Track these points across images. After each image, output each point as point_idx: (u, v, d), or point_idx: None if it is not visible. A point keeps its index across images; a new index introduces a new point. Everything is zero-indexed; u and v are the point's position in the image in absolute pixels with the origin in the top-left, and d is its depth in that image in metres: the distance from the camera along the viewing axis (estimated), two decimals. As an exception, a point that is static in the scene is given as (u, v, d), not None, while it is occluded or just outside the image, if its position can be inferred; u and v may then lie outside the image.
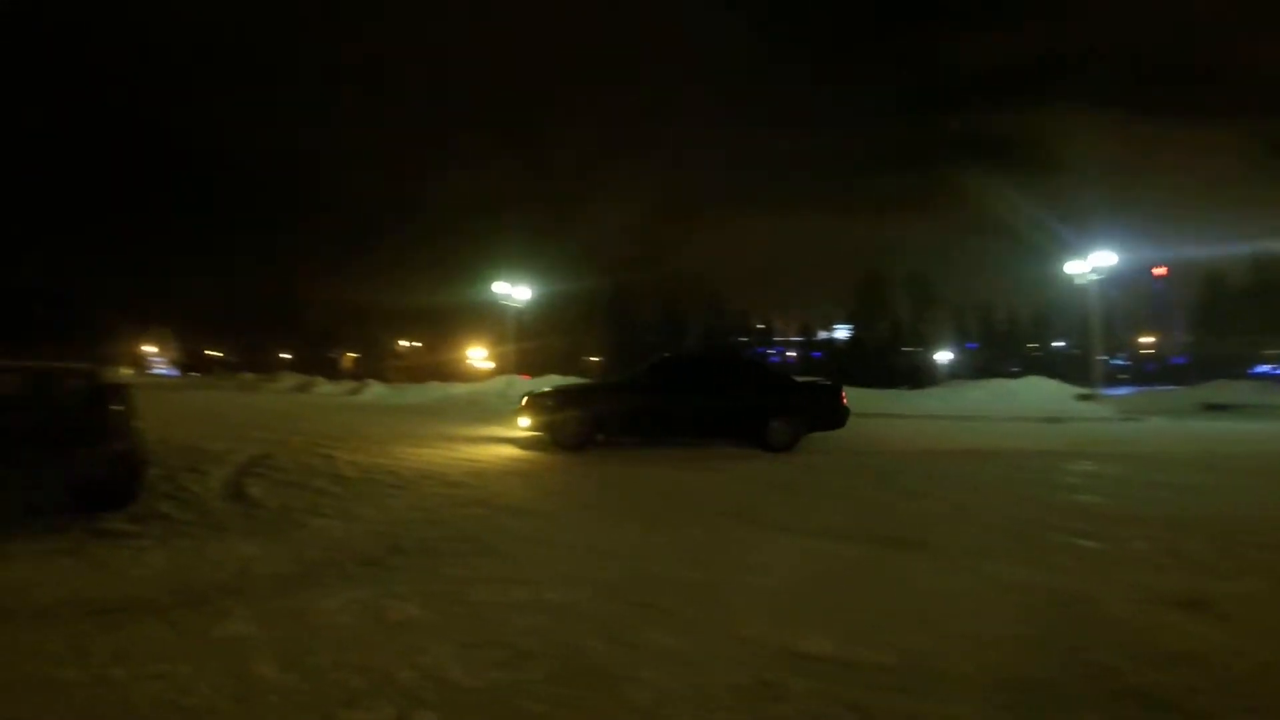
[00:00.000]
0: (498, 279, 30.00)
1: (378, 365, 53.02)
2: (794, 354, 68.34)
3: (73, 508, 3.88)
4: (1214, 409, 20.31)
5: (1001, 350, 54.64)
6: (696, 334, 58.51)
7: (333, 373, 44.28)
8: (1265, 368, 46.10)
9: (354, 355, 65.83)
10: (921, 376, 41.00)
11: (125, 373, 5.64)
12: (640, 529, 4.31)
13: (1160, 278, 60.72)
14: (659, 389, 9.08)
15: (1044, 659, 2.45)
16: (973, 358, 54.06)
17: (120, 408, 3.78)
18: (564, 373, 27.83)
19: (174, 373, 58.90)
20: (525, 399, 9.11)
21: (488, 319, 43.42)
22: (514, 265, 31.44)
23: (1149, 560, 3.78)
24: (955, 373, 45.97)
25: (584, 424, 8.61)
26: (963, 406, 19.14)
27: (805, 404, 9.51)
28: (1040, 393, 19.70)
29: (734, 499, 5.47)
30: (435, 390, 24.23)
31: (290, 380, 29.71)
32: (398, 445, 8.40)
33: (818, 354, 63.94)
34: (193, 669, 2.10)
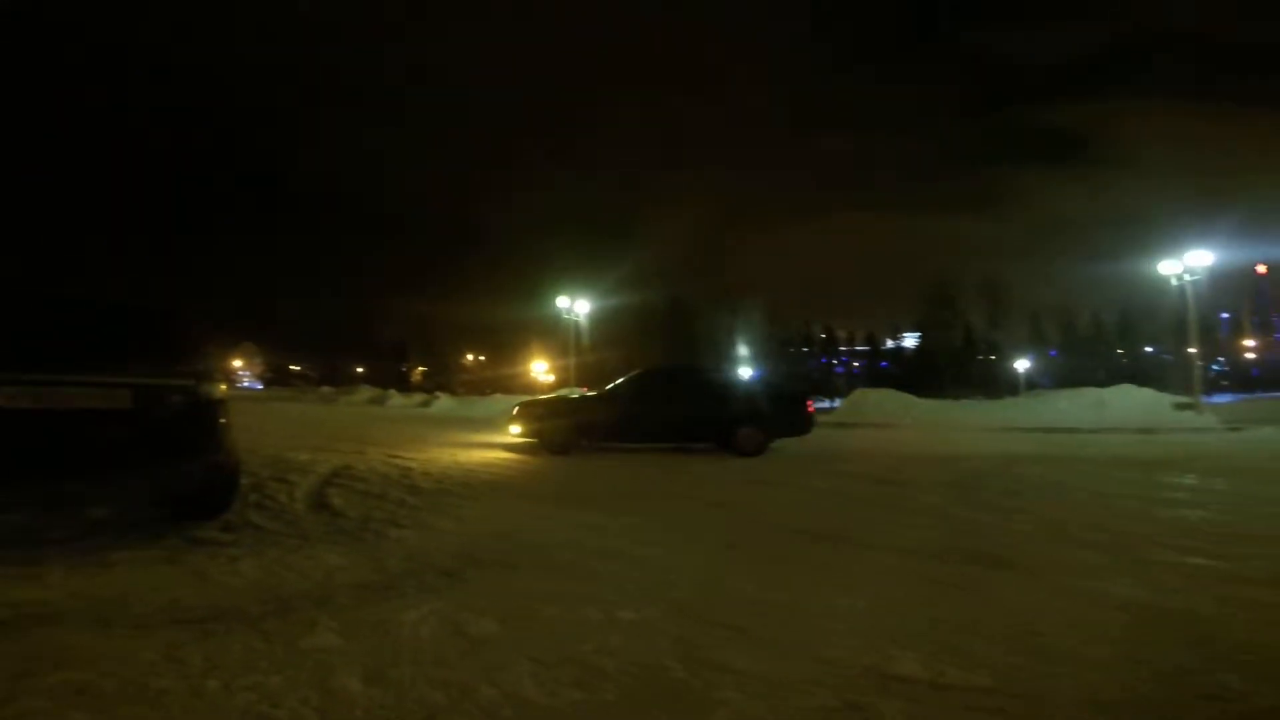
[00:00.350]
0: (560, 294, 30.50)
1: (445, 379, 54.64)
2: (859, 364, 66.48)
3: (171, 517, 4.09)
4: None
5: (1086, 357, 51.57)
6: (754, 344, 57.61)
7: (404, 386, 45.92)
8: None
9: (423, 369, 68.15)
10: (998, 386, 39.11)
11: (221, 387, 6.13)
12: (707, 546, 4.23)
13: (1261, 276, 56.03)
14: (639, 399, 9.93)
15: (1155, 681, 2.28)
16: (1054, 365, 51.24)
17: (219, 421, 4.00)
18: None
19: (259, 386, 62.36)
20: (517, 408, 9.99)
21: (549, 333, 44.23)
22: (575, 280, 31.93)
23: (1269, 579, 3.48)
24: (1036, 382, 43.67)
25: (571, 431, 9.44)
26: (1046, 418, 18.14)
27: (772, 412, 10.20)
28: (1133, 402, 18.46)
29: (804, 513, 5.31)
30: (500, 403, 24.75)
31: (366, 393, 30.97)
32: (467, 455, 8.58)
33: (885, 364, 61.99)
34: (282, 680, 2.14)
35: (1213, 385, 39.45)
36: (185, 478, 3.86)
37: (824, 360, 67.21)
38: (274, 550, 3.72)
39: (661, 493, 6.30)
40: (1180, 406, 18.62)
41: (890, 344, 66.19)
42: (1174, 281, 21.96)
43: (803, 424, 10.46)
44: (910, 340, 62.89)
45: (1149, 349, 51.82)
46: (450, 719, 1.98)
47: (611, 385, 10.48)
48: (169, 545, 3.69)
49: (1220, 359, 55.16)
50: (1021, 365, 48.72)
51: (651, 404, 9.84)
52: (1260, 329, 58.54)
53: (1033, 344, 54.33)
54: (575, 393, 23.98)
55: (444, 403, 25.35)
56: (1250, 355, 57.66)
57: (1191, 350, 21.89)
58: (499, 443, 10.46)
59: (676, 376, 11.03)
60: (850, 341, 70.01)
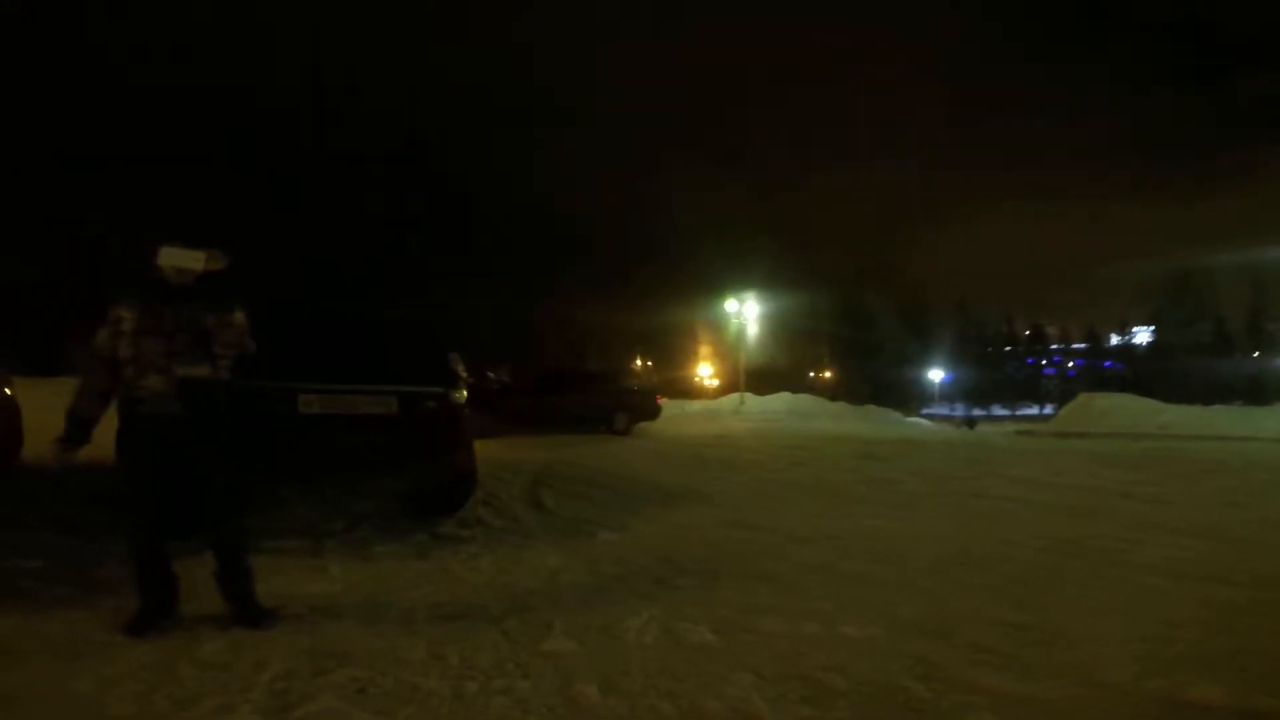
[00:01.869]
0: (727, 298, 30.24)
1: (620, 383, 56.59)
2: (1075, 364, 58.08)
3: (418, 512, 4.57)
4: None
5: None
6: (945, 342, 52.58)
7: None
8: None
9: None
10: (1265, 389, 32.16)
11: (463, 394, 7.72)
12: (925, 558, 3.94)
13: None
14: (542, 393, 12.91)
15: None
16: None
17: (463, 424, 4.49)
18: (793, 388, 27.05)
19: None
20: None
21: (717, 337, 44.11)
22: (743, 283, 31.40)
23: None
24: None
25: (490, 419, 10.98)
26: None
27: (634, 403, 13.74)
28: None
29: (1053, 527, 4.71)
30: (671, 407, 25.17)
31: (552, 398, 32.95)
32: (647, 460, 8.78)
33: (1112, 363, 53.53)
34: (529, 685, 2.25)
35: None
36: (435, 475, 4.37)
37: (1030, 361, 59.78)
38: (503, 548, 4.03)
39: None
40: None
41: (1116, 340, 56.96)
42: None
43: (654, 412, 14.05)
44: (1142, 337, 53.68)
45: None
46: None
47: (520, 382, 14.16)
48: (418, 540, 4.12)
49: None
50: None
51: (552, 397, 12.72)
52: None
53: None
54: (749, 397, 23.84)
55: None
56: None
57: None
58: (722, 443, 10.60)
59: (567, 375, 15.20)
60: (1065, 339, 61.55)
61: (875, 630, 2.74)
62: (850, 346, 49.76)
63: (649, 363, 66.34)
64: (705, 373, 48.89)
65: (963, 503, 5.98)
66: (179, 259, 2.64)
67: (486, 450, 6.33)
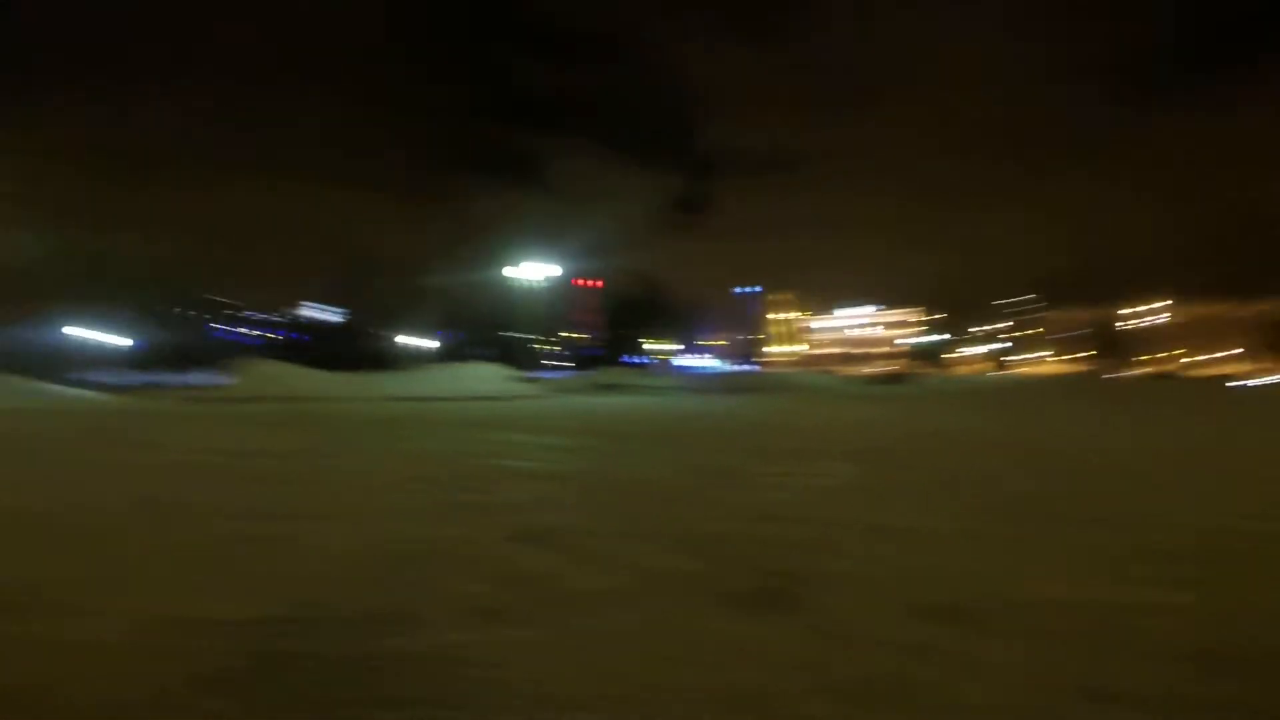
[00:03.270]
0: None
1: None
2: (272, 335, 61.14)
3: None
4: (605, 388, 27.87)
5: (475, 338, 60.28)
6: (129, 302, 46.49)
7: None
8: (638, 358, 64.08)
9: None
10: (390, 360, 41.73)
11: None
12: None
13: (592, 287, 76.85)
14: None
15: (413, 594, 2.74)
16: (460, 345, 58.10)
17: None
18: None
19: None
20: None
21: None
22: None
23: (519, 507, 4.42)
24: (435, 358, 48.65)
25: None
26: (422, 388, 20.71)
27: None
28: (486, 375, 23.17)
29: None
30: None
31: None
32: None
33: (298, 335, 58.58)
34: None
35: (549, 364, 53.04)
36: None
37: (221, 330, 59.26)
38: None
39: None
40: (516, 379, 24.43)
41: (292, 314, 63.01)
42: (525, 284, 28.43)
43: None
44: (310, 312, 61.31)
45: (512, 334, 63.91)
46: None
47: None
48: None
49: (562, 344, 73.31)
50: (429, 343, 53.75)
51: None
52: (585, 324, 79.96)
53: (443, 324, 60.37)
54: None
55: None
56: (584, 343, 78.53)
57: (528, 336, 28.81)
58: None
59: None
60: (262, 311, 63.78)
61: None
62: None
63: None
64: None
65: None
66: None
67: None
